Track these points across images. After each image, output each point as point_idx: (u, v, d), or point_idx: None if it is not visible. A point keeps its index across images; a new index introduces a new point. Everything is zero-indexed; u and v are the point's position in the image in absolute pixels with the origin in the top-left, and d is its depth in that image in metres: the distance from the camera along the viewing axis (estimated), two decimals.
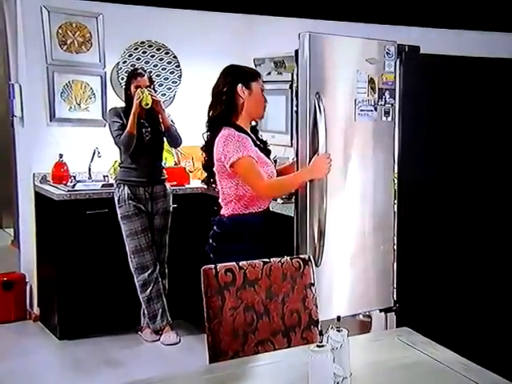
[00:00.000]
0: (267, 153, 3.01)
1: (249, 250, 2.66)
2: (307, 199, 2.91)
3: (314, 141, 2.88)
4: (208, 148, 2.91)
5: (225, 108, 2.87)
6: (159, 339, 4.21)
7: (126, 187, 4.10)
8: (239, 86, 2.85)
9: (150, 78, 4.19)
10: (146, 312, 4.23)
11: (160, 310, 4.21)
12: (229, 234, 2.88)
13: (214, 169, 2.89)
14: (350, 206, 3.06)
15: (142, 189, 4.14)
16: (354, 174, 3.06)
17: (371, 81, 3.03)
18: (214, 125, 2.89)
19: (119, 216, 4.11)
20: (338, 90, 2.98)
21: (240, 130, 2.85)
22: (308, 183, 2.89)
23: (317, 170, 2.84)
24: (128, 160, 4.10)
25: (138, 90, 4.02)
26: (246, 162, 2.77)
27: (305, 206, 2.92)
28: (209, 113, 2.93)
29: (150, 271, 4.16)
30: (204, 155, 2.97)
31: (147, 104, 4.01)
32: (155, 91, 4.23)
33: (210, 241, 2.92)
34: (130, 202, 4.09)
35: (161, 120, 4.12)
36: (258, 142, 2.97)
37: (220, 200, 2.93)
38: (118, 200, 4.11)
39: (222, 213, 2.91)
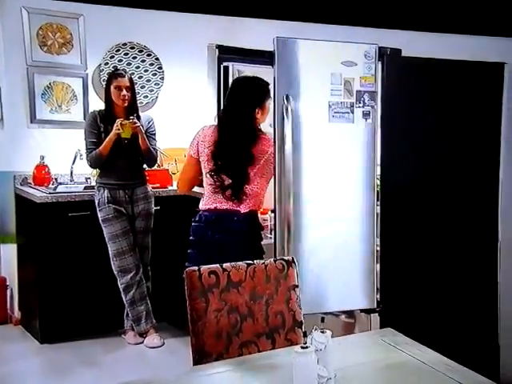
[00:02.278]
0: None
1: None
2: (275, 199, 3.00)
3: (282, 143, 2.94)
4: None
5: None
6: (143, 342, 4.19)
7: (105, 190, 4.08)
8: (256, 110, 3.11)
9: (131, 80, 4.13)
10: (129, 315, 4.21)
11: (144, 313, 4.19)
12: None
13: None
14: (330, 208, 3.08)
15: (122, 191, 4.11)
16: (331, 174, 3.09)
17: (347, 83, 3.05)
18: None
19: (100, 219, 4.09)
20: (311, 93, 3.02)
21: None
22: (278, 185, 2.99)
23: None
24: (107, 163, 4.08)
25: (118, 121, 3.97)
26: None
27: (274, 206, 3.02)
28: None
29: (132, 274, 4.14)
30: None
31: (126, 138, 3.99)
32: (135, 96, 4.16)
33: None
34: (110, 205, 4.07)
35: (140, 142, 4.03)
36: None
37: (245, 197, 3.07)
38: (98, 203, 4.09)
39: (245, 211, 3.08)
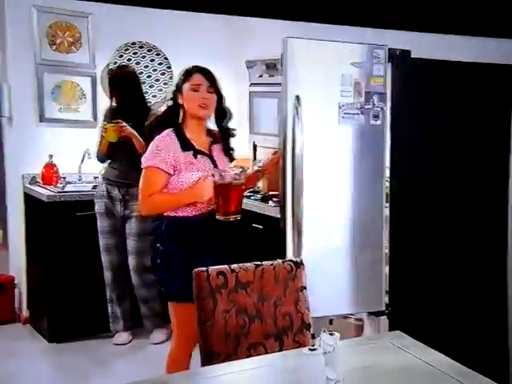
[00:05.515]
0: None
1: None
2: (285, 201, 2.96)
3: (293, 145, 2.92)
4: None
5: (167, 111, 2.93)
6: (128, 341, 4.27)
7: (103, 185, 4.15)
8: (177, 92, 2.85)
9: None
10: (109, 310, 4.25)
11: (120, 314, 4.24)
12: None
13: None
14: (339, 210, 3.06)
15: (117, 189, 4.12)
16: (341, 176, 3.08)
17: (357, 84, 3.04)
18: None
19: (95, 211, 4.15)
20: (321, 94, 3.00)
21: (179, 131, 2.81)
22: (289, 183, 2.93)
23: (199, 194, 2.71)
24: (110, 161, 4.17)
25: (102, 124, 4.08)
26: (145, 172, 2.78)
27: (284, 207, 2.97)
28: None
29: (115, 272, 4.18)
30: None
31: (112, 140, 4.02)
32: (144, 95, 4.20)
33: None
34: (104, 200, 4.12)
35: (136, 145, 3.97)
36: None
37: None
38: (96, 196, 4.17)
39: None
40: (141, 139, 3.87)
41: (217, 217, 2.72)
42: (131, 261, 4.17)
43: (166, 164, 2.72)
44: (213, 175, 2.71)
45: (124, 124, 3.99)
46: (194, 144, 2.80)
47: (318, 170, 3.01)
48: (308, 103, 2.93)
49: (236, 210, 2.74)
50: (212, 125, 2.94)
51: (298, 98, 2.92)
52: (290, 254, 2.94)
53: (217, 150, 2.88)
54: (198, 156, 2.78)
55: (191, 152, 2.77)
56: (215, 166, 2.80)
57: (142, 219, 3.99)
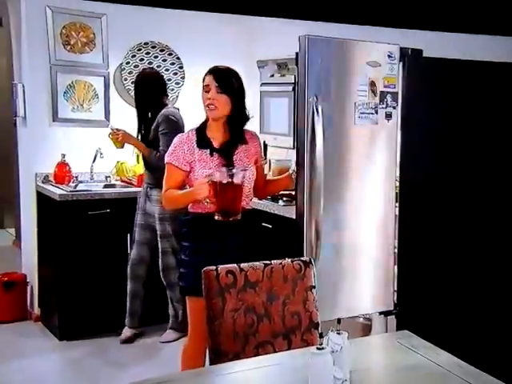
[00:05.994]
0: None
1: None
2: (304, 202, 2.93)
3: (312, 144, 2.89)
4: None
5: None
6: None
7: (144, 185, 4.26)
8: None
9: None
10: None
11: (131, 311, 4.28)
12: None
13: None
14: (351, 209, 3.06)
15: (144, 189, 4.21)
16: (354, 176, 3.07)
17: (372, 84, 3.03)
18: None
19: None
20: (338, 93, 2.99)
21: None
22: (307, 185, 2.90)
23: (195, 193, 2.73)
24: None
25: (109, 133, 4.16)
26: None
27: (302, 208, 2.95)
28: None
29: (137, 266, 4.21)
30: None
31: (119, 147, 4.17)
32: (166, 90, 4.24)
33: None
34: (139, 198, 4.23)
35: (140, 149, 4.15)
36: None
37: None
38: (138, 195, 4.29)
39: None
40: (141, 143, 4.09)
41: (215, 217, 2.71)
42: (160, 261, 4.23)
43: (180, 160, 2.79)
44: (211, 175, 2.70)
45: (118, 131, 4.10)
46: (213, 142, 2.82)
47: (333, 170, 2.98)
48: (325, 102, 2.90)
49: (235, 210, 2.71)
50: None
51: (316, 96, 2.88)
52: (306, 254, 2.92)
53: (242, 151, 2.85)
54: (215, 154, 2.80)
55: (208, 150, 2.79)
56: (231, 165, 2.78)
57: (161, 221, 4.09)
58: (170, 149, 2.85)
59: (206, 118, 2.87)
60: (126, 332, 4.26)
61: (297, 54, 2.93)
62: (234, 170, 2.69)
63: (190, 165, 2.79)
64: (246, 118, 2.87)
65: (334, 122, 2.97)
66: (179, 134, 2.91)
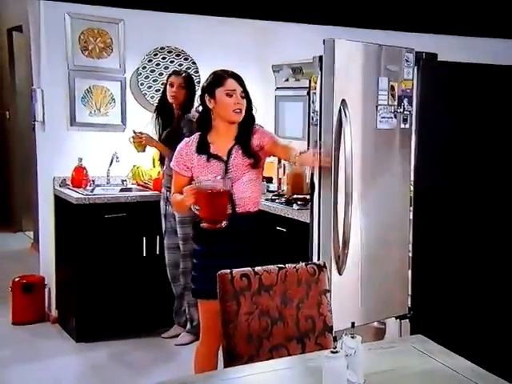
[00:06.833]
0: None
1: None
2: (331, 207, 2.90)
3: (338, 149, 2.87)
4: None
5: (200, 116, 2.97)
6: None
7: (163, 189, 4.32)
8: (205, 96, 2.86)
9: (187, 78, 4.26)
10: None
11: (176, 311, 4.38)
12: None
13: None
14: (368, 214, 3.06)
15: (164, 193, 4.25)
16: (373, 181, 3.07)
17: (391, 88, 3.04)
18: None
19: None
20: (361, 97, 2.99)
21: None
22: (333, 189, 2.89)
23: (184, 199, 2.76)
24: None
25: (131, 136, 4.25)
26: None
27: (329, 213, 2.91)
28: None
29: (174, 270, 4.30)
30: None
31: (140, 151, 4.29)
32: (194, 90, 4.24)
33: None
34: (162, 204, 4.27)
35: (161, 152, 4.25)
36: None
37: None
38: (161, 199, 4.33)
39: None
40: (161, 145, 4.17)
41: (201, 225, 2.76)
42: (181, 263, 4.28)
43: (180, 166, 2.88)
44: (198, 182, 2.73)
45: (141, 135, 4.20)
46: (211, 148, 2.84)
47: (358, 176, 2.96)
48: (350, 106, 2.88)
49: (219, 217, 2.71)
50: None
51: (344, 101, 2.86)
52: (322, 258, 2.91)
53: (237, 154, 2.85)
54: (212, 160, 2.83)
55: (205, 156, 2.83)
56: (227, 170, 2.81)
57: (180, 224, 4.14)
58: (174, 154, 2.93)
59: (212, 122, 2.86)
60: (185, 336, 4.31)
61: (320, 57, 2.90)
62: (218, 177, 2.73)
63: (190, 170, 2.86)
64: (254, 119, 2.93)
65: (358, 127, 2.96)
66: (185, 139, 2.94)
